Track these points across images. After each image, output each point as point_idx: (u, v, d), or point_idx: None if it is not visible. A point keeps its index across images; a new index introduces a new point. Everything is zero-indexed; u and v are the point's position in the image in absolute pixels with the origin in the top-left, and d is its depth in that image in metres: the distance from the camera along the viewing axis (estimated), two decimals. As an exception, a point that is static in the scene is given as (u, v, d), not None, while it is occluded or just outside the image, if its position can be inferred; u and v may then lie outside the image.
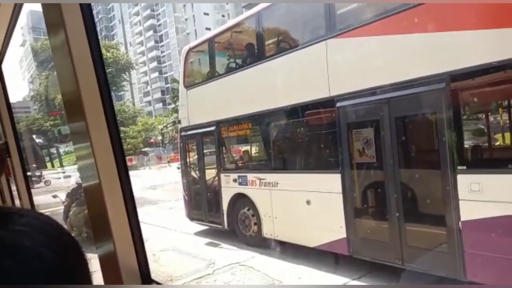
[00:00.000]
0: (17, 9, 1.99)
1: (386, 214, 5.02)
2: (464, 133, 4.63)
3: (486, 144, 5.43)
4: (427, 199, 4.90)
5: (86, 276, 0.44)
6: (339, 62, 5.54)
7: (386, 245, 5.06)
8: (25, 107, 44.25)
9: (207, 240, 7.92)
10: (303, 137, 6.46)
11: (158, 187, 16.96)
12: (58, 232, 0.43)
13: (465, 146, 4.68)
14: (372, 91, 5.03)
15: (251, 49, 7.28)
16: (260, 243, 6.97)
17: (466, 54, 4.21)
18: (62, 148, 33.05)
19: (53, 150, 33.54)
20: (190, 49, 8.81)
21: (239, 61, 7.92)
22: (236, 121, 7.44)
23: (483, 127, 5.55)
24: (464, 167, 4.28)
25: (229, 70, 7.88)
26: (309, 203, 5.91)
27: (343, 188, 5.46)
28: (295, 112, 6.28)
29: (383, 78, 4.91)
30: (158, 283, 1.27)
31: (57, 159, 32.03)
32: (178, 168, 21.81)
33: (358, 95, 5.21)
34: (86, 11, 1.18)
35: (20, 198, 2.90)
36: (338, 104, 5.43)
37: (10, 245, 0.38)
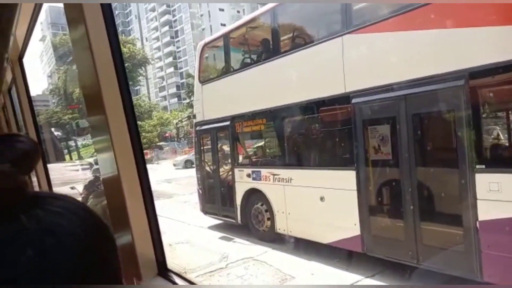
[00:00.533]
0: (38, 6, 2.03)
1: (401, 212, 4.95)
2: (484, 131, 4.53)
3: (506, 143, 5.30)
4: (444, 198, 4.81)
5: (114, 255, 0.48)
6: (355, 58, 5.48)
7: (401, 243, 5.01)
8: (44, 101, 45.24)
9: (221, 234, 7.99)
10: (317, 133, 6.43)
11: (172, 180, 17.14)
12: (89, 214, 0.47)
13: (484, 144, 4.57)
14: (389, 87, 4.96)
15: (266, 45, 7.26)
16: (273, 238, 6.99)
17: (486, 51, 4.11)
18: (80, 141, 33.73)
19: (71, 143, 34.28)
20: (206, 45, 8.84)
21: (254, 56, 7.91)
22: (250, 116, 7.44)
23: (503, 125, 5.41)
24: (483, 166, 4.20)
25: (244, 66, 7.88)
26: (323, 200, 5.89)
27: (358, 185, 5.42)
28: (310, 108, 6.25)
29: (400, 75, 4.84)
30: (174, 273, 1.30)
31: (75, 152, 32.71)
32: (174, 165, 21.93)
33: (375, 91, 5.15)
34: (106, 9, 1.20)
35: (40, 188, 2.99)
36: (353, 101, 5.39)
37: (50, 224, 0.41)
